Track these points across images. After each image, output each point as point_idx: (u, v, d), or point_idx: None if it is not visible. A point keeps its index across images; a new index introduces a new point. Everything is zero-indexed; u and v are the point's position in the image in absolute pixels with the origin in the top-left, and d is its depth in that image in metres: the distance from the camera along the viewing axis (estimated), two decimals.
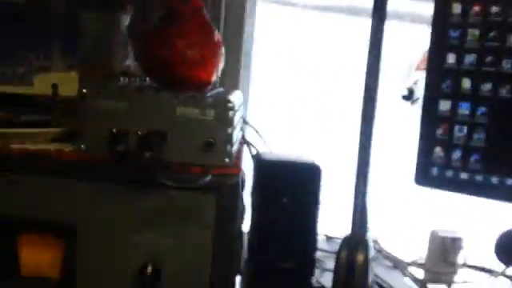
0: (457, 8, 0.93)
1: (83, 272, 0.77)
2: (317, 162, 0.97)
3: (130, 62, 1.01)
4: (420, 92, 1.23)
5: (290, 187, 0.94)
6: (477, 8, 0.91)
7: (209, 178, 0.72)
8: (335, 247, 0.95)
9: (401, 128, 1.38)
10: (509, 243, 0.90)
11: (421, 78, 1.33)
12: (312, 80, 1.38)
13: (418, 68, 1.28)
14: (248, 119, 1.06)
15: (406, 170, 1.03)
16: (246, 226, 0.96)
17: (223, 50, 0.82)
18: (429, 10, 0.98)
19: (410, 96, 1.28)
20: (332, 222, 1.03)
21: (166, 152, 0.72)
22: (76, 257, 0.76)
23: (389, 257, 1.14)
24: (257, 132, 1.09)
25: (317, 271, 0.98)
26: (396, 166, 1.36)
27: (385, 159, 1.00)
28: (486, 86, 0.91)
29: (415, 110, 1.33)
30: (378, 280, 0.98)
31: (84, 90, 0.73)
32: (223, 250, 0.77)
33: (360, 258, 0.82)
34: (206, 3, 0.85)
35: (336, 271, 0.84)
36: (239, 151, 0.91)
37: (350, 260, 0.82)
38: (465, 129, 0.93)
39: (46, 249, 0.78)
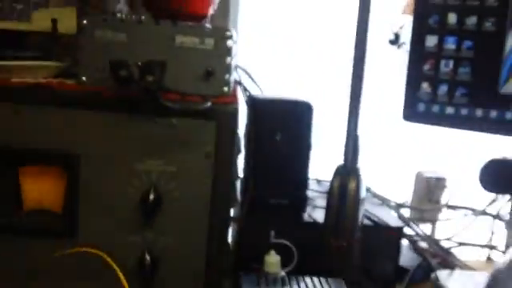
0: None
1: (85, 202, 0.78)
2: (308, 101, 1.00)
3: (122, 6, 1.02)
4: (406, 36, 1.25)
5: (283, 125, 0.97)
6: None
7: (209, 104, 0.74)
8: (325, 189, 0.99)
9: (388, 72, 1.41)
10: (494, 170, 0.94)
11: (407, 22, 1.34)
12: (302, 21, 1.39)
13: (404, 12, 1.30)
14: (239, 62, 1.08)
15: (394, 112, 1.06)
16: (240, 164, 0.99)
17: None
18: None
19: (396, 40, 1.30)
20: (322, 166, 1.07)
21: (166, 81, 0.74)
22: (78, 187, 0.78)
23: (376, 196, 1.19)
24: (249, 75, 1.12)
25: (308, 208, 1.02)
26: (383, 109, 1.39)
27: (372, 103, 1.03)
28: (471, 20, 0.94)
29: (401, 54, 1.36)
30: (367, 214, 1.02)
31: (84, 22, 0.74)
32: (223, 176, 0.79)
33: (352, 184, 0.86)
34: None
35: (329, 198, 0.87)
36: (234, 90, 0.94)
37: (343, 187, 0.86)
38: (451, 63, 0.96)
39: (48, 180, 0.79)
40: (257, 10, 1.43)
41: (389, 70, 1.41)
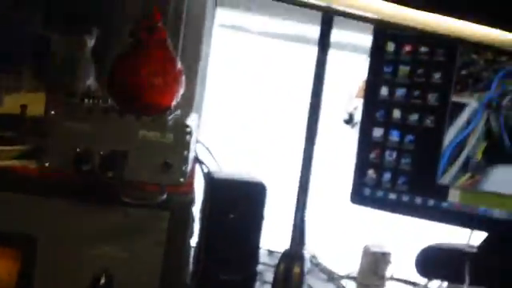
0: (391, 46, 1.03)
1: (38, 283, 0.81)
2: (263, 181, 1.05)
3: (91, 82, 1.07)
4: (359, 117, 1.34)
5: (238, 204, 1.01)
6: (408, 47, 1.02)
7: (165, 196, 0.79)
8: (276, 261, 1.04)
9: (343, 149, 1.48)
10: (427, 258, 1.00)
11: (360, 104, 1.43)
12: (261, 101, 1.47)
13: (358, 95, 1.38)
14: (200, 138, 1.14)
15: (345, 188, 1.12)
16: (193, 239, 1.04)
17: (184, 77, 0.88)
18: (368, 41, 1.09)
19: (350, 120, 1.38)
20: (274, 237, 1.11)
21: (127, 171, 0.78)
22: (34, 269, 0.80)
23: (324, 270, 1.24)
24: (209, 151, 1.17)
25: (257, 283, 1.04)
26: (336, 184, 1.45)
27: (327, 178, 1.10)
28: (414, 117, 1.02)
29: (354, 133, 1.44)
30: None
31: (52, 112, 0.78)
32: (172, 264, 0.83)
33: (296, 270, 0.91)
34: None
35: (274, 283, 0.92)
36: (192, 169, 0.98)
37: (288, 272, 0.91)
38: (394, 154, 1.03)
39: (4, 261, 0.81)
40: (222, 93, 1.50)
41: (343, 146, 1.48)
